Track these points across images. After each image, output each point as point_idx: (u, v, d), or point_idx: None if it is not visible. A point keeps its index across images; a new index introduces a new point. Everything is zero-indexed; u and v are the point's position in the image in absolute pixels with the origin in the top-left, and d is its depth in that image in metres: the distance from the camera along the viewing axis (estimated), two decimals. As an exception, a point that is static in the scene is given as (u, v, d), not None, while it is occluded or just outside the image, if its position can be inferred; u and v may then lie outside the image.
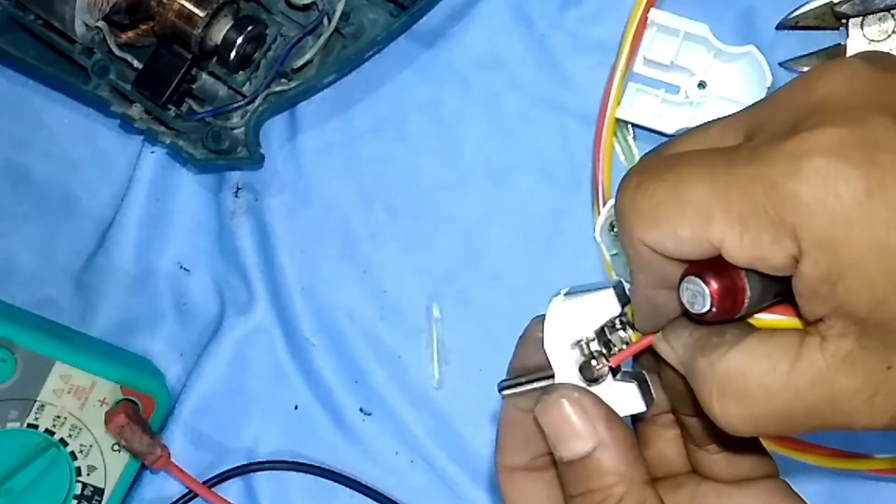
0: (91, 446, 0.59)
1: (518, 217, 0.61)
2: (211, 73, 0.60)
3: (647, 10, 0.58)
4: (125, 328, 0.64)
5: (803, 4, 0.58)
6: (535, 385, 0.38)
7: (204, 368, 0.62)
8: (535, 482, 0.39)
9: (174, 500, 0.62)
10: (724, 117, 0.34)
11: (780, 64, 0.58)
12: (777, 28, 0.59)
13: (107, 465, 0.59)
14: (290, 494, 0.62)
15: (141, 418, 0.60)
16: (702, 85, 0.58)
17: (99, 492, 0.59)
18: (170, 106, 0.59)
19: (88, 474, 0.59)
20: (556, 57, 0.61)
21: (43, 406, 0.58)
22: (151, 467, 0.60)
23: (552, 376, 0.38)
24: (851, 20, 0.57)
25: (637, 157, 0.59)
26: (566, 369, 0.37)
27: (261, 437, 0.62)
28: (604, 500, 0.35)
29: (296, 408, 0.62)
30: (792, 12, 0.58)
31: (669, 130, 0.58)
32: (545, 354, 0.38)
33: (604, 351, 0.37)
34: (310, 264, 0.62)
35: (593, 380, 0.37)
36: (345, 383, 0.62)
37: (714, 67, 0.58)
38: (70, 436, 0.58)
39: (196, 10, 0.57)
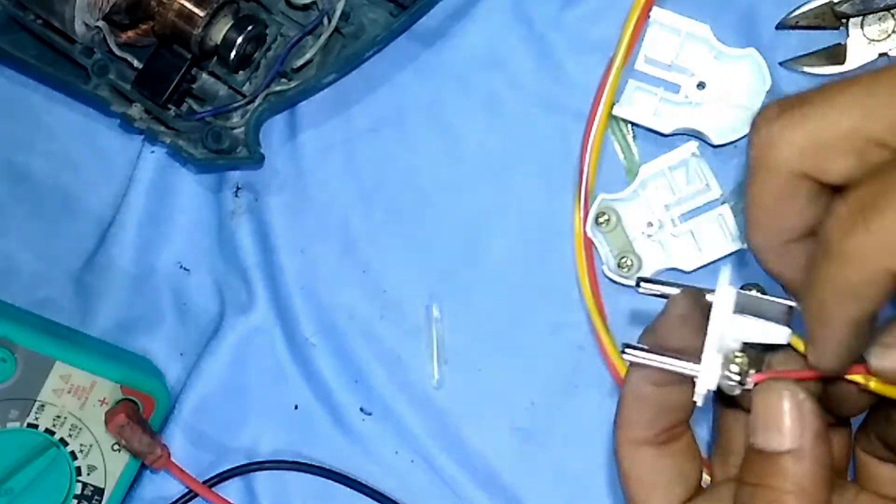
0: (91, 446, 0.59)
1: (518, 217, 0.61)
2: (211, 73, 0.60)
3: (648, 5, 0.58)
4: (125, 328, 0.64)
5: (803, 4, 0.58)
6: (673, 367, 0.37)
7: (204, 368, 0.62)
8: (662, 457, 0.39)
9: (174, 499, 0.62)
10: None
11: (780, 63, 0.58)
12: (777, 28, 0.59)
13: (107, 464, 0.59)
14: (290, 494, 0.62)
15: (141, 418, 0.60)
16: (701, 86, 0.58)
17: (99, 491, 0.59)
18: (170, 106, 0.59)
19: (88, 474, 0.59)
20: (556, 57, 0.61)
21: (43, 406, 0.58)
22: (151, 467, 0.60)
23: (693, 367, 0.36)
24: (851, 20, 0.57)
25: (637, 157, 0.59)
26: (711, 372, 0.36)
27: (261, 437, 0.63)
28: (773, 502, 0.34)
29: (296, 407, 0.62)
30: (792, 12, 0.58)
31: (666, 130, 0.58)
32: (701, 351, 0.36)
33: (748, 368, 0.36)
34: (310, 264, 0.62)
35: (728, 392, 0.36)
36: (345, 383, 0.62)
37: (714, 69, 0.58)
38: (70, 435, 0.58)
39: (196, 10, 0.57)
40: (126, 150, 0.64)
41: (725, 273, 0.37)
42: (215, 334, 0.63)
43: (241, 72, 0.59)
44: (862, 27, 0.57)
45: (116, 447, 0.60)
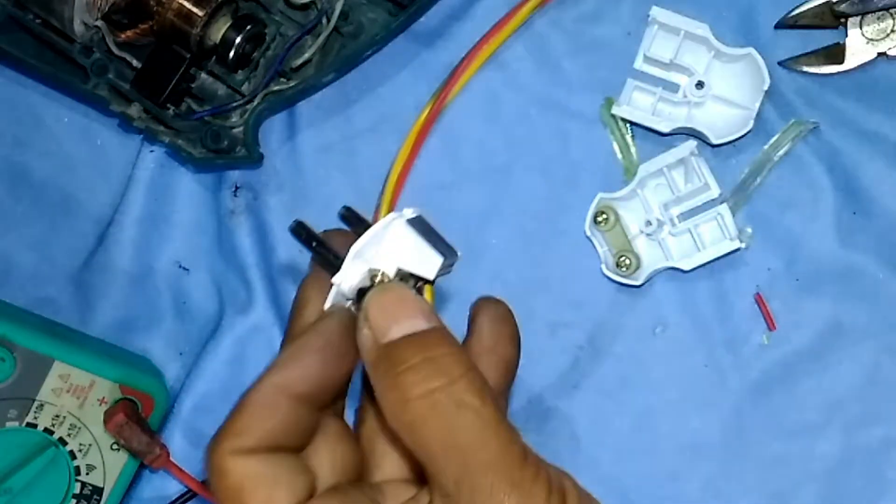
0: (90, 445, 0.59)
1: (517, 216, 0.61)
2: (210, 73, 0.60)
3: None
4: (124, 327, 0.64)
5: (802, 3, 0.58)
6: (325, 253, 0.38)
7: (203, 367, 0.62)
8: (276, 460, 0.36)
9: (173, 499, 0.62)
10: None
11: (779, 63, 0.58)
12: (776, 27, 0.59)
13: (106, 464, 0.59)
14: (289, 494, 0.62)
15: (140, 417, 0.60)
16: (700, 85, 0.58)
17: (98, 491, 0.59)
18: (169, 105, 0.59)
19: (87, 473, 0.59)
20: (554, 56, 0.61)
21: (42, 405, 0.58)
22: (150, 466, 0.60)
23: (337, 265, 0.38)
24: (850, 19, 0.57)
25: (635, 156, 0.59)
26: (351, 276, 0.37)
27: (260, 437, 0.62)
28: (455, 364, 0.34)
29: (294, 407, 0.62)
30: (791, 11, 0.58)
31: (665, 129, 0.58)
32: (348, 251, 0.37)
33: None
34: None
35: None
36: (344, 382, 0.61)
37: (713, 68, 0.58)
38: (69, 435, 0.58)
39: (195, 10, 0.57)
40: (125, 149, 0.64)
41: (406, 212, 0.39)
42: (214, 333, 0.63)
43: (239, 71, 0.59)
44: (861, 26, 0.57)
45: (115, 446, 0.60)
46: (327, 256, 0.38)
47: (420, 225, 0.38)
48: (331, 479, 0.38)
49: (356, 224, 0.39)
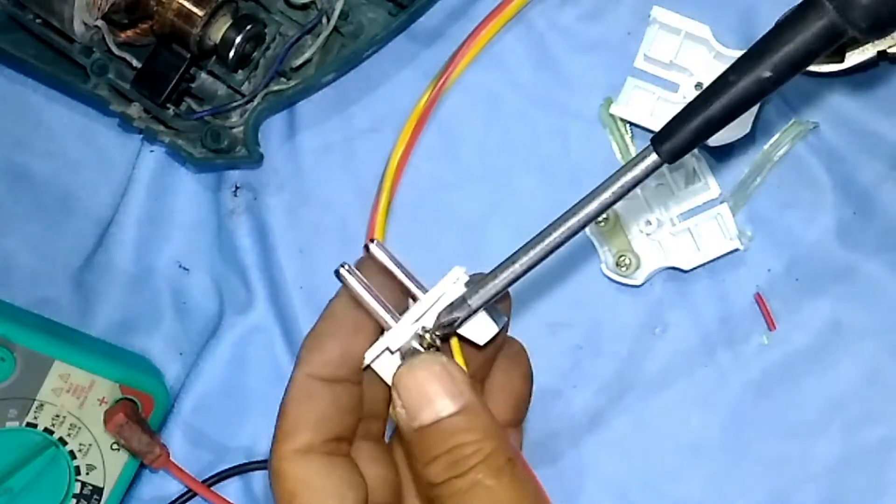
0: (90, 445, 0.59)
1: (517, 216, 0.61)
2: (210, 72, 0.60)
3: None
4: (124, 327, 0.64)
5: (802, 3, 0.58)
6: (374, 308, 0.39)
7: (203, 367, 0.62)
8: (332, 465, 0.38)
9: (173, 499, 0.62)
10: None
11: (779, 62, 0.58)
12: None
13: (106, 464, 0.59)
14: (289, 493, 0.62)
15: (140, 417, 0.60)
16: (699, 86, 0.58)
17: (98, 491, 0.59)
18: (169, 105, 0.59)
19: (87, 473, 0.59)
20: (554, 56, 0.61)
21: (42, 405, 0.58)
22: (150, 466, 0.60)
23: (389, 319, 0.39)
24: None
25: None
26: (405, 330, 0.39)
27: (260, 436, 0.63)
28: (474, 454, 0.35)
29: (294, 407, 0.62)
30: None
31: (662, 129, 0.58)
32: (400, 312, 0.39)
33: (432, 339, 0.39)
34: (309, 263, 0.62)
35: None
36: (344, 382, 0.61)
37: (713, 69, 0.58)
38: (69, 435, 0.58)
39: (195, 10, 0.57)
40: (125, 149, 0.64)
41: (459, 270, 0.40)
42: (214, 334, 0.63)
43: (239, 71, 0.59)
44: (861, 26, 0.57)
45: (115, 446, 0.60)
46: (379, 312, 0.39)
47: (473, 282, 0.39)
48: (380, 497, 0.40)
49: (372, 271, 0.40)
